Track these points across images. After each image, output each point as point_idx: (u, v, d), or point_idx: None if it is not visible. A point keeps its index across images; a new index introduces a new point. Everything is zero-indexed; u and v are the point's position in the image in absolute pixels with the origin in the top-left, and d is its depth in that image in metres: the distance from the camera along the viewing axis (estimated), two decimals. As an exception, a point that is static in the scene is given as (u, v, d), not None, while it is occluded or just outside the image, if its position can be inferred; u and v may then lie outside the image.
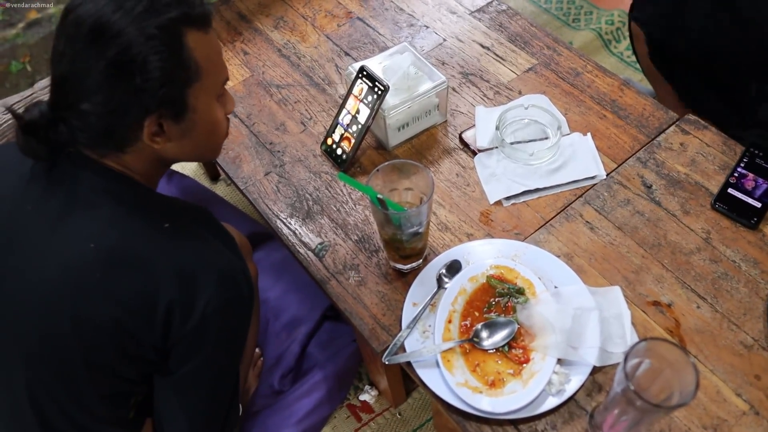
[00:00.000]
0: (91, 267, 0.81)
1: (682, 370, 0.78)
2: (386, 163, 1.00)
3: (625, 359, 0.77)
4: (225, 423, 0.97)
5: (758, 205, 1.12)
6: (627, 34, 2.12)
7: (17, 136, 0.83)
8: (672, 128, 1.25)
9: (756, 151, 1.19)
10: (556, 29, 2.12)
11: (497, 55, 1.41)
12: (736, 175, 1.16)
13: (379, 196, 0.95)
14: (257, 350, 1.39)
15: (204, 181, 1.86)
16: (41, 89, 1.60)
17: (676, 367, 0.79)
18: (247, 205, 1.74)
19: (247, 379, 1.31)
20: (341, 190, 1.22)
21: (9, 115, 1.54)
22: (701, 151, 1.21)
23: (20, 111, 0.82)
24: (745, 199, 1.13)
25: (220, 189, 1.83)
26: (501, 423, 0.93)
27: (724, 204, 1.13)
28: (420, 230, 1.01)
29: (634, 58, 2.03)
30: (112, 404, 0.90)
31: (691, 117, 1.27)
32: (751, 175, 1.16)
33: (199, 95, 0.85)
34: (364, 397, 1.40)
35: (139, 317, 0.82)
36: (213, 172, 1.87)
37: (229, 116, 0.96)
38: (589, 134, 1.25)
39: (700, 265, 1.07)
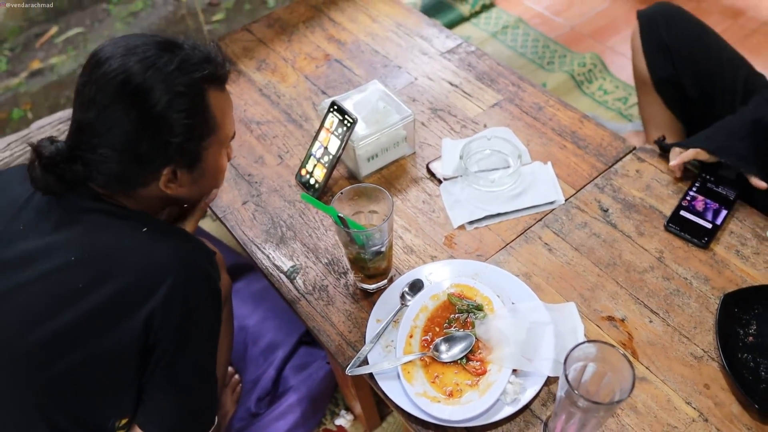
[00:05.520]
0: (73, 277, 0.85)
1: (619, 366, 0.82)
2: (349, 187, 1.06)
3: (565, 361, 0.82)
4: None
5: (709, 225, 1.18)
6: (598, 75, 2.21)
7: (32, 170, 0.88)
8: (629, 156, 1.32)
9: (708, 176, 1.25)
10: (531, 72, 2.22)
11: (465, 92, 1.49)
12: (688, 198, 1.22)
13: (340, 215, 1.01)
14: (236, 376, 1.42)
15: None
16: (38, 129, 1.68)
17: (616, 367, 0.83)
18: (230, 239, 1.79)
19: (225, 404, 1.34)
20: (314, 217, 1.28)
21: (6, 153, 1.62)
22: (656, 177, 1.28)
23: (35, 145, 0.87)
24: (697, 221, 1.19)
25: (206, 224, 1.89)
26: (458, 431, 0.96)
27: (677, 225, 1.18)
28: (382, 249, 1.06)
29: (605, 98, 2.12)
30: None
31: (648, 146, 1.33)
32: (702, 198, 1.22)
33: (212, 147, 0.94)
34: (339, 421, 1.43)
35: (116, 319, 0.85)
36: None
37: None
38: (549, 163, 1.31)
39: (653, 282, 1.12)
